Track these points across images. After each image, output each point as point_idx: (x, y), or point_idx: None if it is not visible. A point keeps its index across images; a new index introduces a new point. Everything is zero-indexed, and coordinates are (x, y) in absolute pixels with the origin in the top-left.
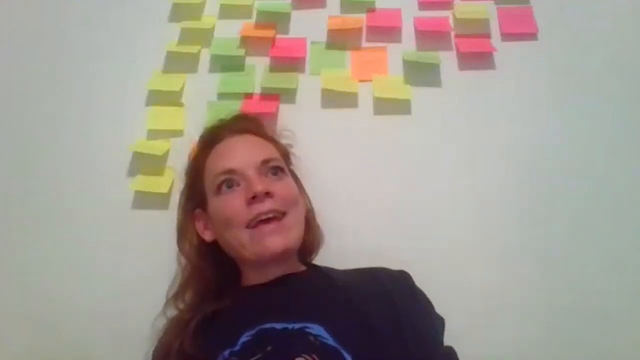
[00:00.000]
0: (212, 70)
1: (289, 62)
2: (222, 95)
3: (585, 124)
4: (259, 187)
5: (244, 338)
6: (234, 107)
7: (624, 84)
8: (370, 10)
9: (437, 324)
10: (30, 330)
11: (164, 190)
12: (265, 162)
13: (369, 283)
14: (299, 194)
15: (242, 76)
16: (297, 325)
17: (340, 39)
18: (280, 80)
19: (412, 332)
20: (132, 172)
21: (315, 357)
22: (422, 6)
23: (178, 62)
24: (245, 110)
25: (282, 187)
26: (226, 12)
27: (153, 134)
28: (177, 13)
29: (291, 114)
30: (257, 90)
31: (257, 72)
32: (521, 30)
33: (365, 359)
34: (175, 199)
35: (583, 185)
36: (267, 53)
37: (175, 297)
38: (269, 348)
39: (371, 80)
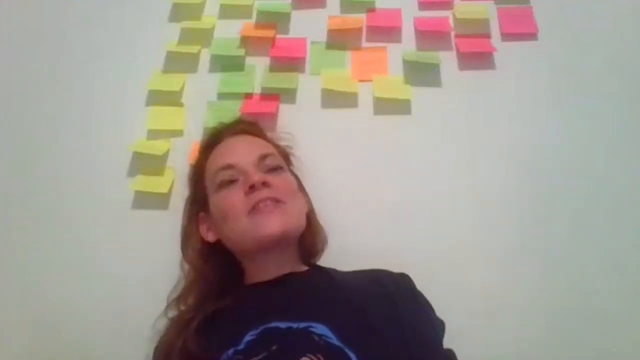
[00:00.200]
0: (212, 70)
1: (289, 62)
2: (222, 95)
3: (585, 124)
4: (256, 177)
5: (248, 337)
6: (234, 107)
7: (624, 84)
8: (370, 10)
9: (437, 326)
10: (30, 330)
11: (164, 190)
12: (263, 157)
13: (371, 284)
14: (297, 190)
15: (242, 76)
16: (301, 325)
17: (340, 39)
18: (280, 80)
19: (413, 333)
20: (132, 172)
21: (320, 357)
22: (422, 6)
23: (178, 62)
24: (245, 110)
25: (280, 180)
26: (226, 12)
27: (153, 134)
28: (177, 13)
29: (291, 114)
30: (257, 90)
31: (257, 72)
32: (521, 30)
33: (369, 358)
34: (175, 198)
35: (583, 185)
36: (267, 53)
37: (177, 299)
38: (273, 347)
39: (371, 80)
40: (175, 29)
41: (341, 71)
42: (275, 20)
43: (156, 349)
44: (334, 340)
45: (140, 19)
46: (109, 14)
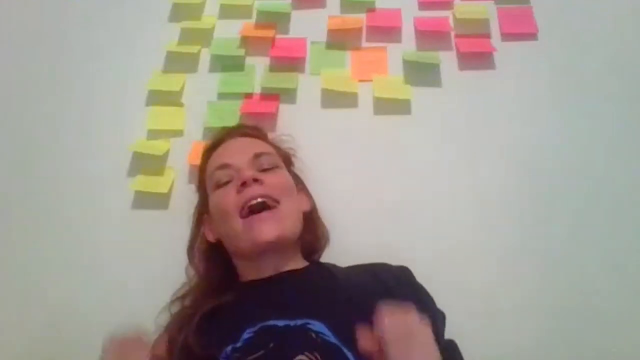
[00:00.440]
0: (212, 70)
1: (289, 62)
2: (222, 95)
3: (585, 124)
4: (247, 173)
5: (246, 335)
6: (234, 107)
7: (624, 84)
8: (370, 10)
9: (438, 318)
10: (30, 330)
11: (164, 190)
12: (257, 155)
13: (370, 279)
14: (293, 188)
15: (242, 76)
16: (298, 322)
17: (340, 39)
18: (280, 80)
19: None
20: (132, 172)
21: (317, 355)
22: (422, 6)
23: (178, 62)
24: (245, 110)
25: (274, 177)
26: (226, 12)
27: (153, 134)
28: (177, 13)
29: (291, 114)
30: (257, 90)
31: (257, 72)
32: (521, 30)
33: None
34: (175, 198)
35: (583, 185)
36: (267, 53)
37: (180, 296)
38: (271, 345)
39: (371, 80)
40: (175, 29)
41: (341, 71)
42: (275, 20)
43: (156, 341)
44: (331, 338)
45: (140, 19)
46: (109, 14)
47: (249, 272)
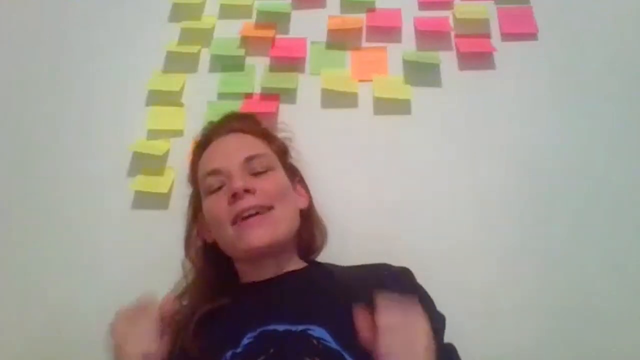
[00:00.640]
0: (212, 70)
1: (289, 62)
2: (222, 95)
3: (585, 124)
4: (238, 184)
5: (246, 340)
6: (234, 107)
7: (624, 84)
8: (370, 10)
9: (438, 321)
10: (30, 330)
11: (164, 190)
12: (249, 159)
13: (370, 281)
14: (288, 188)
15: (242, 76)
16: (299, 327)
17: (340, 39)
18: (280, 80)
19: None
20: (132, 172)
21: None
22: (422, 6)
23: (178, 62)
24: (245, 111)
25: (266, 182)
26: (226, 12)
27: (153, 134)
28: (177, 13)
29: (291, 114)
30: (257, 90)
31: (257, 72)
32: (521, 30)
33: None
34: (175, 198)
35: (583, 185)
36: (267, 53)
37: (178, 296)
38: (271, 350)
39: (371, 80)
40: (175, 29)
41: (341, 71)
42: (275, 20)
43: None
44: (332, 343)
45: (140, 19)
46: (109, 14)
47: (248, 273)
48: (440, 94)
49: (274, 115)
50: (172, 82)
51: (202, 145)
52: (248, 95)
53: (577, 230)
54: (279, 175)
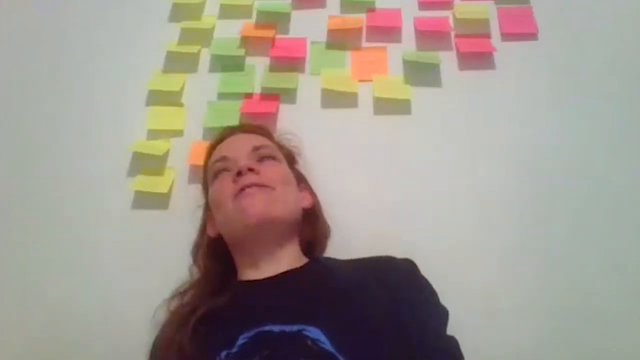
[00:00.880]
0: (212, 70)
1: (289, 62)
2: (222, 95)
3: (585, 124)
4: (243, 162)
5: (241, 340)
6: (234, 107)
7: (624, 84)
8: (370, 10)
9: (441, 314)
10: (30, 330)
11: (164, 190)
12: (256, 148)
13: (372, 276)
14: (291, 180)
15: (242, 76)
16: (294, 328)
17: (340, 39)
18: (280, 80)
19: (414, 327)
20: (132, 172)
21: None
22: (422, 6)
23: (178, 62)
24: (245, 110)
25: (270, 167)
26: (226, 12)
27: (153, 134)
28: (177, 13)
29: (291, 114)
30: (257, 90)
31: (257, 72)
32: (521, 30)
33: None
34: (175, 198)
35: (583, 185)
36: (267, 53)
37: (180, 293)
38: (265, 352)
39: (371, 80)
40: (175, 29)
41: (341, 71)
42: (275, 20)
43: (154, 343)
44: (327, 345)
45: (140, 19)
46: (109, 14)
47: (247, 269)
48: (440, 94)
49: (274, 115)
50: (172, 82)
51: (213, 146)
52: (248, 95)
53: (577, 230)
54: (284, 167)
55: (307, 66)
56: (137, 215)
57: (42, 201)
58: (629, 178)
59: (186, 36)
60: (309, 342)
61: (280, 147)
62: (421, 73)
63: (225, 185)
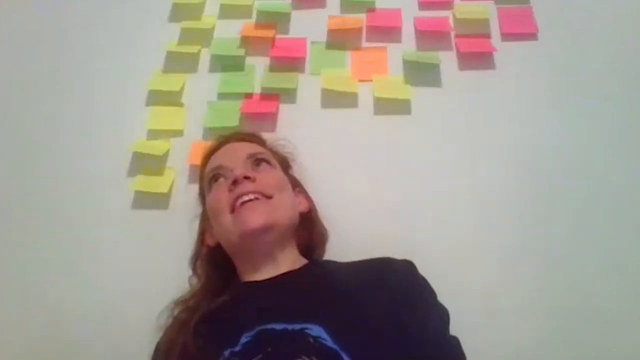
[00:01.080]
0: (212, 70)
1: (289, 62)
2: (222, 95)
3: (585, 124)
4: (238, 171)
5: (244, 338)
6: (234, 107)
7: (624, 84)
8: (370, 10)
9: (440, 314)
10: (30, 330)
11: (164, 190)
12: (250, 155)
13: (371, 277)
14: (287, 185)
15: (242, 76)
16: (297, 326)
17: (340, 39)
18: (280, 80)
19: (413, 327)
20: (132, 172)
21: (314, 359)
22: (422, 6)
23: (178, 62)
24: (245, 110)
25: (266, 174)
26: (226, 12)
27: (153, 134)
28: (177, 13)
29: (291, 114)
30: (257, 90)
31: (257, 72)
32: (521, 30)
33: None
34: (175, 198)
35: (583, 185)
36: (267, 53)
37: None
38: (268, 349)
39: (371, 80)
40: (175, 29)
41: (341, 71)
42: (275, 20)
43: (157, 347)
44: (329, 342)
45: (140, 19)
46: (109, 14)
47: (247, 273)
48: (440, 94)
49: (274, 115)
50: (172, 82)
51: (209, 155)
52: (248, 95)
53: (577, 230)
54: (279, 173)
55: (307, 66)
56: (137, 215)
57: (42, 201)
58: (629, 178)
59: (186, 36)
60: (311, 340)
61: (274, 153)
62: (421, 73)
63: (221, 194)
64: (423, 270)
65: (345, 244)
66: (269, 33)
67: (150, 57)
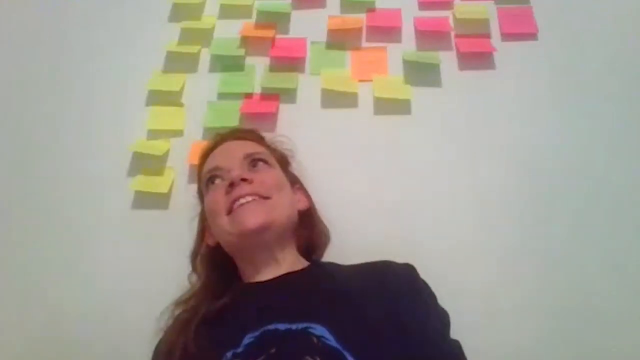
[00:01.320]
0: (212, 70)
1: (289, 62)
2: (222, 95)
3: (585, 124)
4: (235, 173)
5: (247, 339)
6: (234, 107)
7: (624, 84)
8: (370, 10)
9: (440, 316)
10: (30, 330)
11: (164, 190)
12: (247, 155)
13: (372, 280)
14: (285, 185)
15: (242, 76)
16: (300, 326)
17: (340, 39)
18: (280, 80)
19: (414, 329)
20: (132, 172)
21: (318, 359)
22: (422, 6)
23: (178, 62)
24: (245, 110)
25: (264, 174)
26: (226, 12)
27: (153, 134)
28: (177, 13)
29: (291, 114)
30: (257, 90)
31: (257, 72)
32: (521, 30)
33: (367, 359)
34: (175, 198)
35: (583, 185)
36: (267, 53)
37: (183, 301)
38: (272, 350)
39: (371, 80)
40: (175, 29)
41: (341, 71)
42: (275, 20)
43: (157, 348)
44: (332, 341)
45: (140, 19)
46: (109, 14)
47: (249, 274)
48: (440, 94)
49: (274, 115)
50: (172, 82)
51: (207, 153)
52: (248, 95)
53: (577, 230)
54: (277, 172)
55: (307, 66)
56: (137, 215)
57: (42, 201)
58: (629, 178)
59: (186, 36)
60: (315, 339)
61: (273, 150)
62: (421, 73)
63: (218, 197)
64: (423, 270)
65: (345, 244)
66: (269, 33)
67: (150, 57)
